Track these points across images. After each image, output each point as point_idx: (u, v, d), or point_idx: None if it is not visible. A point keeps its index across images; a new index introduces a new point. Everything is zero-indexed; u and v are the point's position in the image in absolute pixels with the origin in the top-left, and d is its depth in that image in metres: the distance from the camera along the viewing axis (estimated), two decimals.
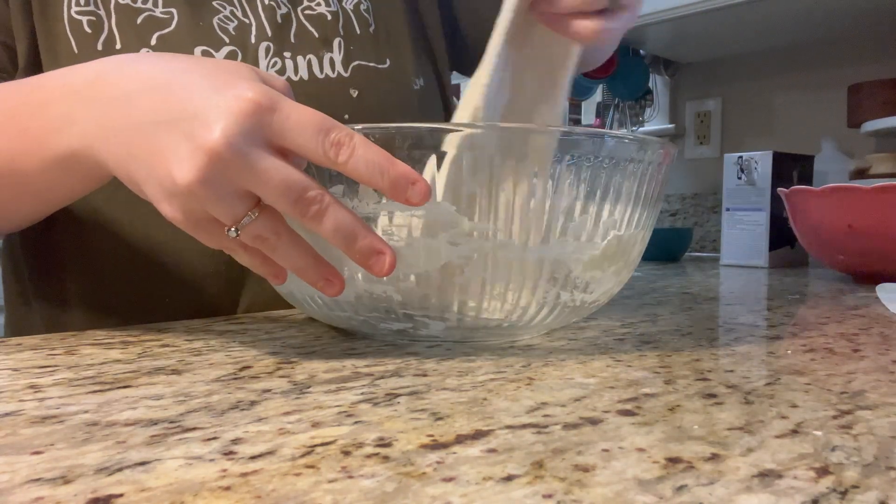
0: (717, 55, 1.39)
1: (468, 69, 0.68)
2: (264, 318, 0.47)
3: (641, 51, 1.40)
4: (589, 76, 1.37)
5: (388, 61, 0.58)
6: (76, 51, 0.48)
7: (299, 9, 0.55)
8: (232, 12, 0.53)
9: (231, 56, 0.52)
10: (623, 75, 1.39)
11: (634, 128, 1.47)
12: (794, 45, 1.29)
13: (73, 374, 0.30)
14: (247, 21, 0.53)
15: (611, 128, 1.49)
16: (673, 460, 0.19)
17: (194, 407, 0.25)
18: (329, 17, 0.56)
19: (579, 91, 1.47)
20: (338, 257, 0.33)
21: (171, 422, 0.23)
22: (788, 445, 0.21)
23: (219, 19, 0.52)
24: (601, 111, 1.54)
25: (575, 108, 1.65)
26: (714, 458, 0.20)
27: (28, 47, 0.48)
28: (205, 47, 0.51)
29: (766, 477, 0.18)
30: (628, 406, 0.25)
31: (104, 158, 0.33)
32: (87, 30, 0.48)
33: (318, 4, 0.56)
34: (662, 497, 0.17)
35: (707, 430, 0.22)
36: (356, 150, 0.29)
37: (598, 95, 1.54)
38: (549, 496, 0.17)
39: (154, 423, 0.23)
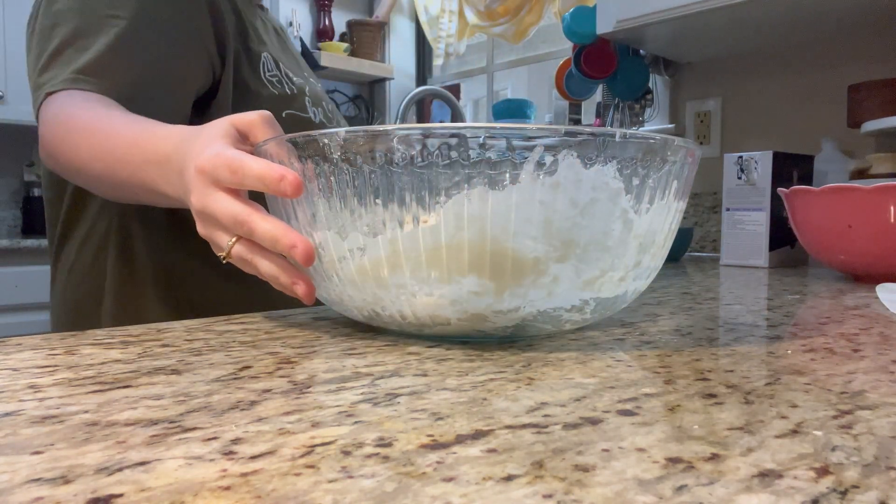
0: (717, 55, 1.39)
1: None
2: (264, 318, 0.47)
3: (641, 51, 1.40)
4: (589, 76, 1.37)
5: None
6: (276, 92, 0.69)
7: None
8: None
9: (306, 114, 0.72)
10: (623, 75, 1.39)
11: (634, 128, 1.47)
12: (794, 45, 1.29)
13: (73, 374, 0.30)
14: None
15: (611, 128, 1.48)
16: (673, 460, 0.19)
17: (194, 407, 0.25)
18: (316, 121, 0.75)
19: (579, 91, 1.47)
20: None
21: (171, 422, 0.23)
22: (788, 445, 0.21)
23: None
24: (601, 111, 1.54)
25: (575, 107, 1.65)
26: (714, 458, 0.20)
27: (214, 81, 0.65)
28: (295, 111, 0.70)
29: (766, 477, 0.18)
30: (628, 406, 0.25)
31: (185, 201, 0.45)
32: (274, 91, 0.69)
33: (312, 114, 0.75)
34: (662, 497, 0.17)
35: (707, 430, 0.22)
36: (243, 169, 0.38)
37: (598, 95, 1.54)
38: (549, 496, 0.17)
39: (154, 423, 0.23)
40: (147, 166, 0.49)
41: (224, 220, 0.39)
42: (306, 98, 0.74)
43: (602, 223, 0.34)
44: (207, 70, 0.65)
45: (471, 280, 0.34)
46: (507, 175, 0.32)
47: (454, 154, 0.32)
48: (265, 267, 0.40)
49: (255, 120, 0.44)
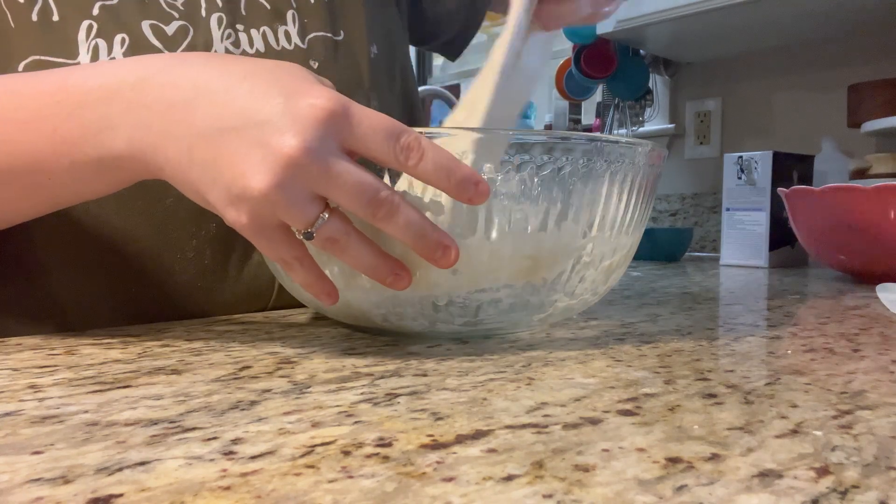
0: (717, 55, 1.39)
1: (421, 42, 0.71)
2: (264, 318, 0.47)
3: (641, 51, 1.40)
4: (589, 76, 1.37)
5: (342, 33, 0.56)
6: (13, 24, 0.43)
7: None
8: None
9: (182, 30, 0.48)
10: (623, 75, 1.39)
11: (634, 128, 1.47)
12: (794, 45, 1.29)
13: (73, 374, 0.30)
14: None
15: (611, 128, 1.49)
16: (673, 460, 0.19)
17: (194, 407, 0.25)
18: None
19: (579, 91, 1.47)
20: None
21: (171, 422, 0.23)
22: (788, 445, 0.21)
23: None
24: (601, 111, 1.54)
25: (575, 108, 1.65)
26: (714, 458, 0.20)
27: None
28: (153, 21, 0.47)
29: (766, 477, 0.18)
30: (628, 406, 0.25)
31: (159, 164, 0.33)
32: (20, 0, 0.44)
33: None
34: (662, 497, 0.17)
35: (707, 430, 0.22)
36: (425, 153, 0.31)
37: (598, 95, 1.54)
38: (549, 496, 0.17)
39: (154, 423, 0.23)
40: (95, 107, 0.33)
41: (351, 188, 0.30)
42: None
43: None
44: None
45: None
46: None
47: None
48: (361, 252, 0.32)
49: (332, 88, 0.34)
